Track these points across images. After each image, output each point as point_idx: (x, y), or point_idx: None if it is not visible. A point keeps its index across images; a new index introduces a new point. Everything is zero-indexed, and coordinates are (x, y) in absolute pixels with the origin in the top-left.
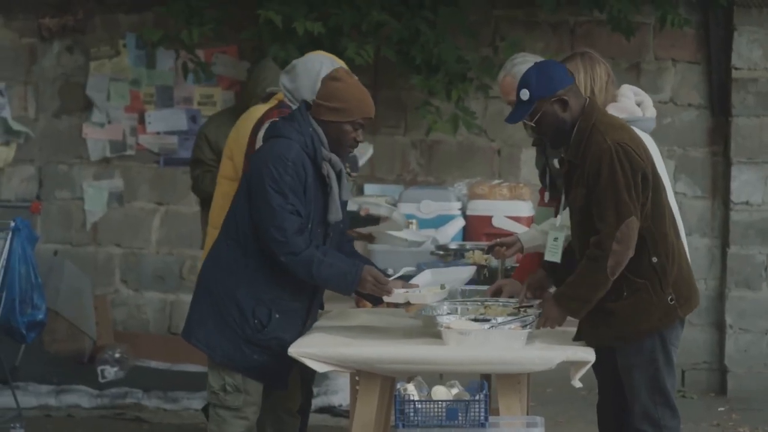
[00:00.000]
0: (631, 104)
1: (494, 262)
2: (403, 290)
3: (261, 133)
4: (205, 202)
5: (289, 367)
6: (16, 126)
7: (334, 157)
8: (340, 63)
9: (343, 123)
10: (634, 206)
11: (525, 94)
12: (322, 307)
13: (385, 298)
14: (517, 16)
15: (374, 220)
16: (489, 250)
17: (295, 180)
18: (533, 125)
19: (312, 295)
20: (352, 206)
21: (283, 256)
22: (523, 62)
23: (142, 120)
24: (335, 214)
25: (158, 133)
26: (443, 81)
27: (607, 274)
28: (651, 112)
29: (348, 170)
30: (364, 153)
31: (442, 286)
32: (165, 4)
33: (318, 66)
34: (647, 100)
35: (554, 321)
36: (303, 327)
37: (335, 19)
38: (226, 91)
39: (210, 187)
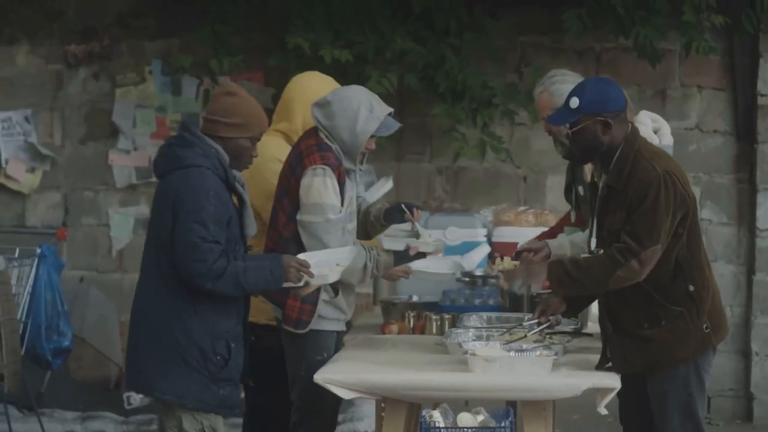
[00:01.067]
0: (648, 131)
1: (519, 288)
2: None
3: (305, 178)
4: None
5: (239, 387)
6: (42, 152)
7: (238, 174)
8: (372, 95)
9: (242, 139)
10: (665, 236)
11: (574, 102)
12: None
13: (312, 280)
14: (542, 43)
15: (422, 256)
16: (516, 256)
17: (219, 208)
18: (569, 133)
19: (245, 309)
20: (399, 246)
21: (209, 284)
22: (563, 81)
23: None
24: (252, 228)
25: None
26: (468, 107)
27: (611, 280)
28: (668, 139)
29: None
30: (382, 186)
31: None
32: (191, 31)
33: (356, 106)
34: (665, 127)
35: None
36: (246, 344)
37: (359, 46)
38: None
39: None
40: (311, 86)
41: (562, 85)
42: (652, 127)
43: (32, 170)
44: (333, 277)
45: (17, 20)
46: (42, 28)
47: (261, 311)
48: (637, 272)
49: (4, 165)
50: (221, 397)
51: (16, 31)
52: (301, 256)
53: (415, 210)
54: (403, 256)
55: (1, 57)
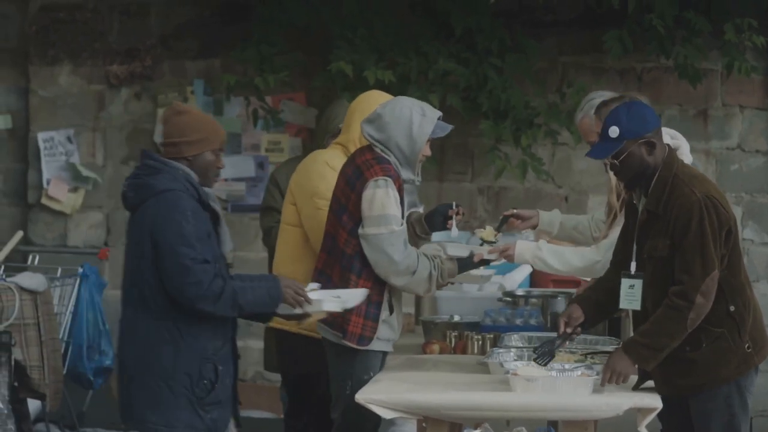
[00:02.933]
0: None
1: (561, 307)
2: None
3: (367, 191)
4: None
5: (231, 409)
6: (85, 172)
7: (210, 192)
8: (419, 101)
9: (206, 153)
10: (718, 260)
11: (614, 132)
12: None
13: (308, 308)
14: (583, 63)
15: (486, 263)
16: (503, 222)
17: (198, 227)
18: (615, 163)
19: (233, 329)
20: (463, 252)
21: (208, 307)
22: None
23: None
24: (228, 244)
25: (226, 179)
26: (511, 127)
27: (687, 326)
28: (688, 158)
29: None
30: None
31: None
32: (234, 51)
33: (408, 112)
34: (684, 145)
35: (621, 375)
36: (235, 363)
37: (402, 67)
38: (294, 138)
39: None
40: (370, 100)
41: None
42: (672, 144)
43: (74, 190)
44: (331, 306)
45: (60, 41)
46: (84, 48)
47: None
48: (705, 305)
49: (46, 185)
50: (210, 421)
51: (59, 52)
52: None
53: (455, 207)
54: (467, 263)
55: (43, 77)
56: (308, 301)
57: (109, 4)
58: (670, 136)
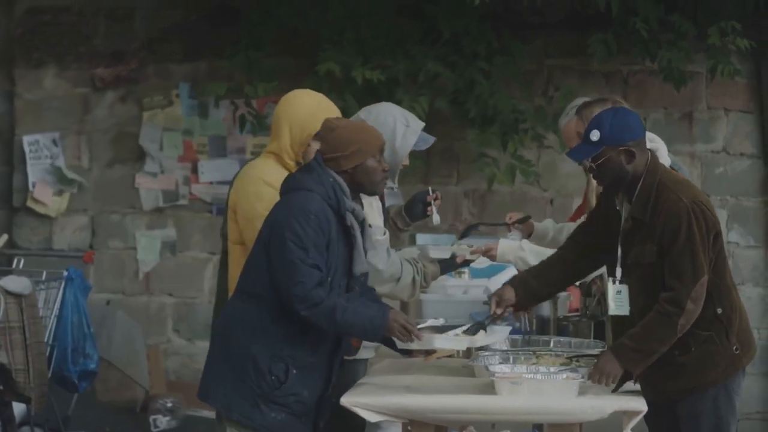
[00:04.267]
0: None
1: (546, 311)
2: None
3: None
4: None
5: (311, 425)
6: (69, 175)
7: (357, 208)
8: (404, 110)
9: (366, 162)
10: (707, 265)
11: (595, 135)
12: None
13: (413, 345)
14: (570, 65)
15: (468, 263)
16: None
17: (318, 234)
18: (592, 166)
19: (333, 349)
20: (444, 254)
21: (304, 311)
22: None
23: (195, 170)
24: (360, 266)
25: (211, 182)
26: (498, 132)
27: (677, 331)
28: (665, 160)
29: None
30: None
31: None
32: (222, 57)
33: (392, 122)
34: (662, 147)
35: (608, 376)
36: (326, 383)
37: (389, 70)
38: None
39: None
40: (298, 103)
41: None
42: (650, 147)
43: (59, 193)
44: (439, 344)
45: (45, 44)
46: (70, 51)
47: None
48: (695, 311)
49: (31, 188)
50: (271, 420)
51: (44, 55)
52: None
53: (431, 193)
54: (449, 264)
55: (28, 80)
56: (418, 337)
57: (95, 8)
58: (649, 139)
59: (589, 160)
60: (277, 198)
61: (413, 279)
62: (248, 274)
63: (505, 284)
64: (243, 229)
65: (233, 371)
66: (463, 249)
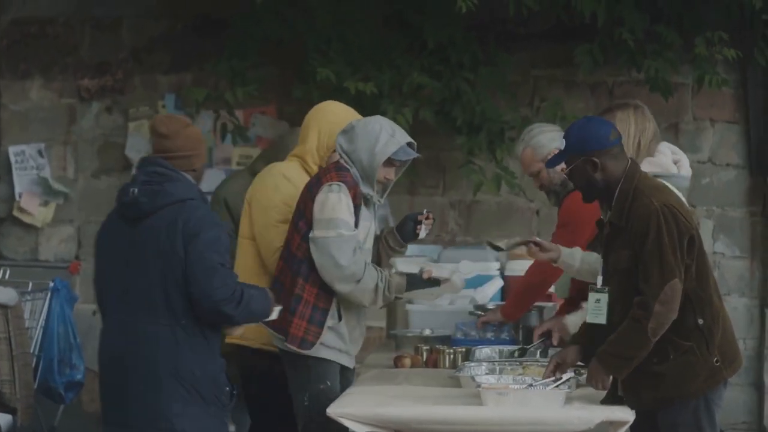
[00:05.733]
0: (668, 161)
1: (533, 321)
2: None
3: (320, 195)
4: None
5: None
6: (55, 186)
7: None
8: (396, 125)
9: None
10: (678, 269)
11: (563, 143)
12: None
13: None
14: (555, 76)
15: (435, 282)
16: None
17: (225, 238)
18: (567, 174)
19: None
20: (413, 268)
21: (232, 310)
22: (540, 132)
23: None
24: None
25: None
26: (485, 140)
27: (649, 336)
28: (687, 171)
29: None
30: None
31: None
32: (205, 65)
33: (378, 129)
34: (684, 160)
35: (599, 382)
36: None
37: (375, 80)
38: None
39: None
40: (329, 110)
41: (540, 136)
42: (672, 159)
43: (45, 204)
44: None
45: (31, 54)
46: (56, 62)
47: (259, 335)
48: (665, 314)
49: (17, 199)
50: (226, 428)
51: (30, 66)
52: None
53: (425, 213)
54: (416, 280)
55: (14, 91)
56: None
57: (81, 18)
58: (671, 150)
59: (563, 168)
60: (295, 192)
61: (376, 285)
62: (174, 302)
63: (569, 347)
64: (256, 219)
65: (197, 397)
66: (430, 264)
